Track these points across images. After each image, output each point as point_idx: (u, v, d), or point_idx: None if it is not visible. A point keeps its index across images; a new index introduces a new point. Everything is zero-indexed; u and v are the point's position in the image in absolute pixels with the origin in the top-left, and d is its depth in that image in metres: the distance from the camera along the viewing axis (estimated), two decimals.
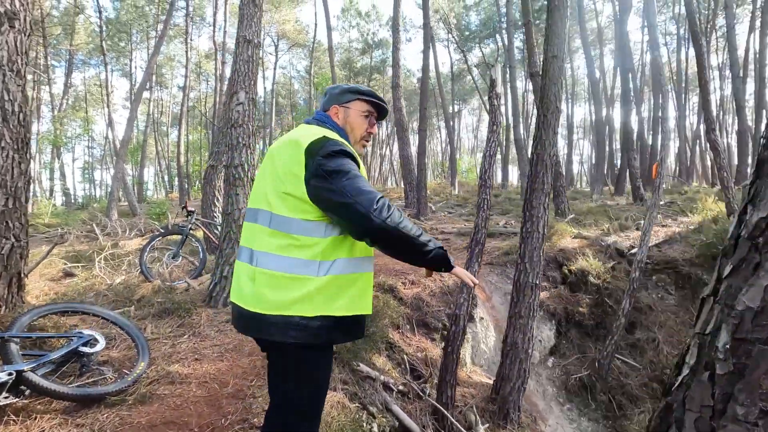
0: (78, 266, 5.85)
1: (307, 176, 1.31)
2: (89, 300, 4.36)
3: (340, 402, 2.48)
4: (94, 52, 25.11)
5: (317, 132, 1.41)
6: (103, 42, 18.25)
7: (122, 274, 5.55)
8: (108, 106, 18.26)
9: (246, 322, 1.38)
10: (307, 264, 1.32)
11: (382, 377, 3.03)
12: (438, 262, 1.39)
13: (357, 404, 2.61)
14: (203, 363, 2.79)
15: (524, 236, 3.52)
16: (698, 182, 21.95)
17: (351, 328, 1.42)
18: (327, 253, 1.34)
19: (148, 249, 5.05)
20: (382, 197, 1.31)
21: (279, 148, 1.43)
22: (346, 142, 1.45)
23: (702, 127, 22.69)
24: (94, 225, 10.56)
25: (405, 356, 3.70)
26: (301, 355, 1.36)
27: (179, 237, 5.47)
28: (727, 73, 22.33)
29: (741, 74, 16.64)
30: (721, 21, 22.30)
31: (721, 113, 23.76)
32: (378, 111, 1.62)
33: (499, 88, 3.40)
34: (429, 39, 12.52)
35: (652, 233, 5.33)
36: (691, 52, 24.91)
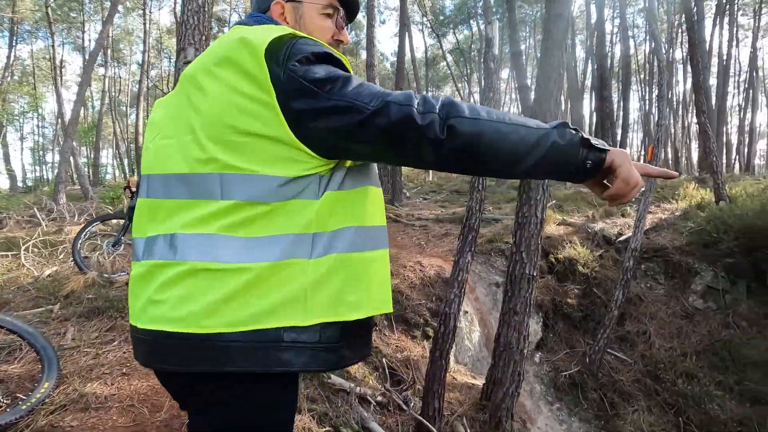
0: (8, 255, 5.09)
1: (281, 97, 0.74)
2: (5, 297, 3.66)
3: (307, 428, 1.98)
4: (42, 23, 22.96)
5: (275, 29, 0.80)
6: (48, 9, 16.57)
7: (56, 264, 4.82)
8: (57, 82, 16.66)
9: (177, 350, 0.75)
10: (292, 241, 0.76)
11: (357, 389, 2.55)
12: (575, 151, 0.73)
13: (328, 428, 2.11)
14: (132, 379, 2.21)
15: (520, 222, 3.08)
16: None
17: (364, 338, 0.88)
18: (324, 220, 0.79)
19: (82, 236, 4.32)
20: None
21: (207, 67, 0.81)
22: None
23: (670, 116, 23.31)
24: (35, 209, 9.55)
25: (383, 359, 3.23)
26: (265, 395, 0.79)
27: (123, 222, 4.77)
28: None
29: (707, 66, 16.96)
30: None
31: (681, 107, 24.56)
32: (346, 7, 0.99)
33: (496, 50, 2.92)
34: (405, 17, 11.93)
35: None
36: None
